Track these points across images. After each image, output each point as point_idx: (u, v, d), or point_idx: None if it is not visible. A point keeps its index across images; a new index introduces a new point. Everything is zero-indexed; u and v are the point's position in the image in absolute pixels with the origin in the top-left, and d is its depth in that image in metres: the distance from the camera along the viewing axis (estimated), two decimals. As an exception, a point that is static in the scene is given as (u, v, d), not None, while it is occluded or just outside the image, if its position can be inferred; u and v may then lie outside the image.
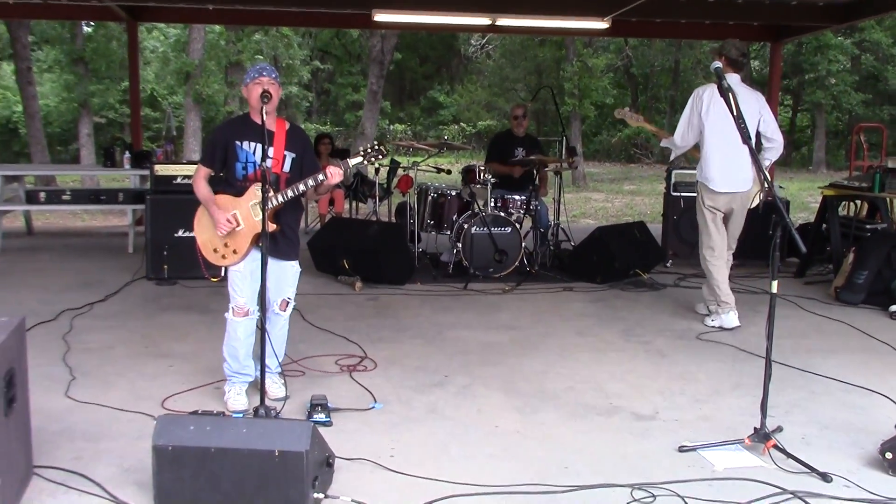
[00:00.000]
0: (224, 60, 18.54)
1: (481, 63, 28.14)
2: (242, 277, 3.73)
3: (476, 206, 7.02)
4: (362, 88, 25.15)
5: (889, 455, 3.14)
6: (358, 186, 9.45)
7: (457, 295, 6.39)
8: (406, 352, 4.80)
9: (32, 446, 3.02)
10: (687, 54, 26.57)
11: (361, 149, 3.74)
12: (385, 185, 9.11)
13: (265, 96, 3.55)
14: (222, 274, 3.90)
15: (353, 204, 9.70)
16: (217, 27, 18.11)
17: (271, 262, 3.55)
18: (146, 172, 7.80)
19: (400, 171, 8.51)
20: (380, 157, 3.70)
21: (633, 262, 6.90)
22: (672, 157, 6.07)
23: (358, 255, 6.58)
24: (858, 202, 8.02)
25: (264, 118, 3.53)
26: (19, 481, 2.83)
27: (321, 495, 2.80)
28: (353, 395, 3.99)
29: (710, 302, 5.57)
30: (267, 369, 3.62)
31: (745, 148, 3.51)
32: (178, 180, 6.72)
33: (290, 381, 4.04)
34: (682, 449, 3.36)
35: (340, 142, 23.38)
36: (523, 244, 6.94)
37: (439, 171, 8.33)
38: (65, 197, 8.44)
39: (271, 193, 3.52)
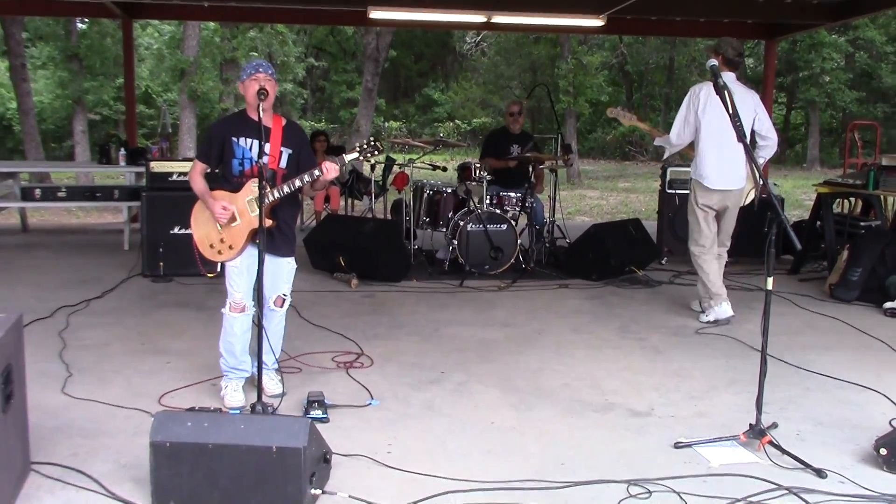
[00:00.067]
0: (219, 57, 18.48)
1: (476, 60, 28.08)
2: (239, 273, 3.74)
3: (472, 203, 7.01)
4: (357, 86, 25.12)
5: (883, 451, 3.16)
6: (354, 183, 9.44)
7: (453, 292, 6.40)
8: (402, 349, 4.81)
9: (30, 442, 3.03)
10: (682, 52, 26.58)
11: (357, 145, 3.74)
12: (381, 183, 9.10)
13: (261, 93, 3.55)
14: (218, 269, 3.90)
15: (349, 201, 9.69)
16: (212, 24, 18.05)
17: (267, 258, 3.56)
18: (141, 169, 7.81)
19: (395, 169, 8.50)
20: (375, 153, 3.71)
21: (629, 259, 6.91)
22: (665, 156, 6.08)
23: (354, 252, 6.59)
24: (853, 199, 8.06)
25: (261, 114, 3.54)
26: (17, 477, 2.83)
27: (318, 491, 2.81)
28: (349, 392, 4.00)
29: (704, 299, 5.59)
30: (264, 366, 3.63)
31: (741, 146, 3.53)
32: (174, 177, 6.73)
33: (287, 378, 4.06)
34: (677, 445, 3.38)
35: (335, 139, 23.32)
36: (519, 241, 6.95)
37: (435, 168, 8.34)
38: (60, 194, 8.42)
39: (268, 189, 3.53)
